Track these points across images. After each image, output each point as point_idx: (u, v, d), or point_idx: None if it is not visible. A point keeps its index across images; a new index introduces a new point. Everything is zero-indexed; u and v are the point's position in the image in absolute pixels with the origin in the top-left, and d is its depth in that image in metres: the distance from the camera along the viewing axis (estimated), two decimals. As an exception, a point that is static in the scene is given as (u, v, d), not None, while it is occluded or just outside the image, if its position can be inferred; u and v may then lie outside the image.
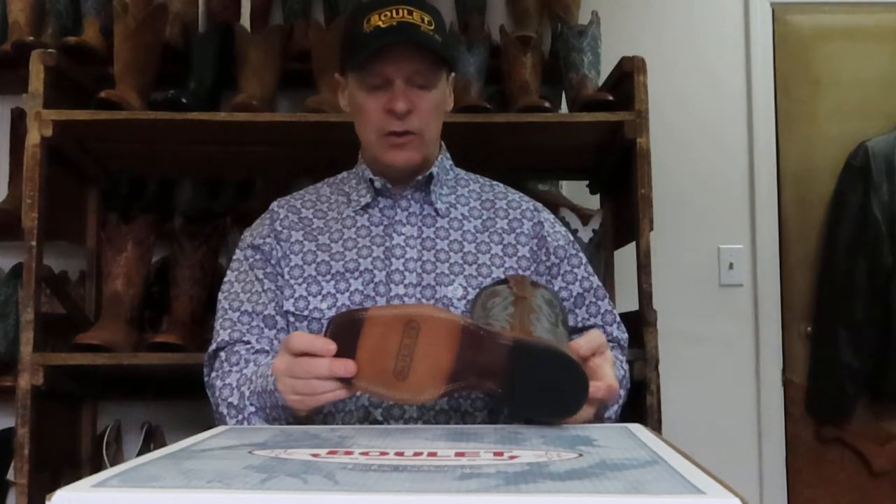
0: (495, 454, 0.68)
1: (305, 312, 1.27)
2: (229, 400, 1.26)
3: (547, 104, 2.03)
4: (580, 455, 0.67)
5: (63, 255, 2.32)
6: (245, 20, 2.34)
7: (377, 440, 0.78)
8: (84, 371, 1.98)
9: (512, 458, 0.66)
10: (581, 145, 2.12)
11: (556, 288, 1.33)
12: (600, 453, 0.68)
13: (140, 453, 1.98)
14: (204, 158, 2.20)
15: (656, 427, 1.81)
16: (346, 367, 0.97)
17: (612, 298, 2.27)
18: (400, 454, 0.68)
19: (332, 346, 0.99)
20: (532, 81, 2.11)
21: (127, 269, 2.01)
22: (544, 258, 1.34)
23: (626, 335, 1.38)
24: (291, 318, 1.27)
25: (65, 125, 1.90)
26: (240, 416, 1.23)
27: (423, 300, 1.25)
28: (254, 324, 1.31)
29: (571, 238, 1.40)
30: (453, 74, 1.37)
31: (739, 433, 2.47)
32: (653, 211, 1.90)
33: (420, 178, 1.33)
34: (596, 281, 1.38)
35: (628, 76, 1.96)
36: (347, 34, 1.33)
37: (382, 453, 0.69)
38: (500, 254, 1.32)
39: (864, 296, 2.44)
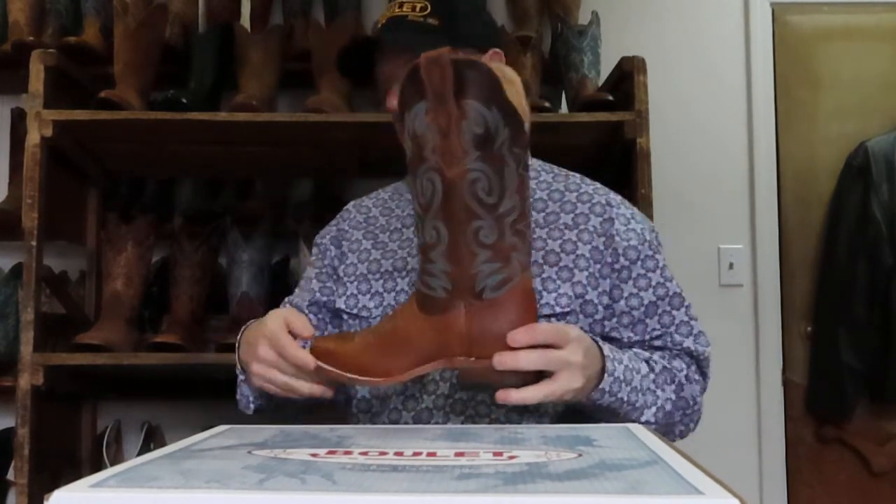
0: (494, 454, 0.68)
1: (355, 311, 1.25)
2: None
3: (547, 104, 2.03)
4: (580, 455, 0.67)
5: (63, 255, 2.32)
6: (245, 20, 2.34)
7: (376, 440, 0.77)
8: (84, 371, 1.98)
9: (511, 458, 0.66)
10: (581, 145, 2.12)
11: (625, 294, 1.20)
12: (600, 453, 0.68)
13: (140, 453, 1.98)
14: (204, 158, 2.20)
15: (656, 427, 1.81)
16: (306, 361, 0.98)
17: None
18: (399, 454, 0.68)
19: (309, 330, 1.01)
20: (532, 81, 2.11)
21: (127, 269, 2.01)
22: (610, 259, 1.20)
23: (704, 348, 1.22)
24: (345, 317, 1.27)
25: (65, 125, 1.90)
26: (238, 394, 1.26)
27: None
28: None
29: (649, 238, 1.24)
30: (494, 50, 1.24)
31: (739, 433, 2.47)
32: (653, 211, 1.90)
33: None
34: (673, 287, 1.23)
35: (628, 76, 1.96)
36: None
37: (381, 453, 0.69)
38: (557, 250, 1.20)
39: (864, 296, 2.44)
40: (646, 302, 1.20)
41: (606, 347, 1.09)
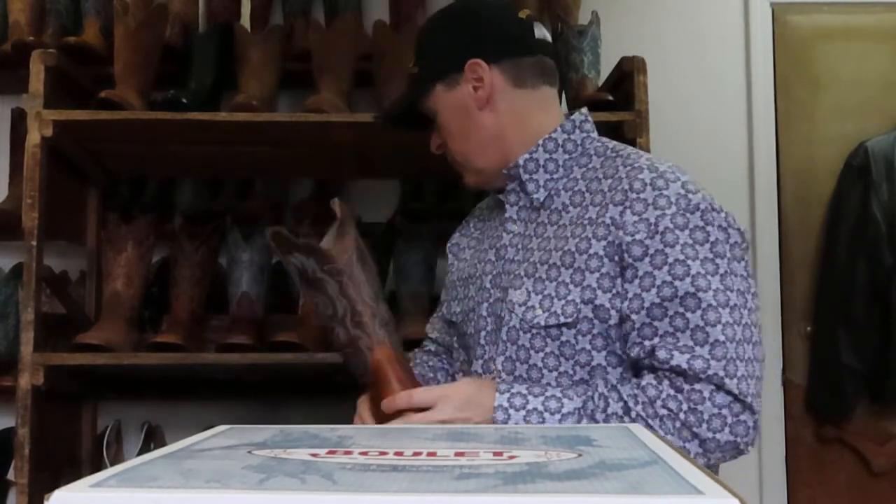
0: (494, 454, 0.68)
1: (448, 316, 1.37)
2: None
3: (547, 104, 2.03)
4: (579, 455, 0.67)
5: (63, 255, 2.33)
6: (245, 20, 2.34)
7: (376, 440, 0.78)
8: (84, 371, 1.98)
9: (511, 458, 0.66)
10: (581, 145, 2.12)
11: (629, 296, 1.09)
12: (599, 453, 0.68)
13: (140, 453, 1.98)
14: (204, 158, 2.20)
15: (656, 427, 1.80)
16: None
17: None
18: (399, 454, 0.68)
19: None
20: (532, 81, 2.10)
21: (127, 268, 2.01)
22: (618, 257, 1.10)
23: (706, 366, 1.05)
24: (443, 325, 1.42)
25: (65, 125, 1.90)
26: None
27: (501, 302, 1.20)
28: (437, 324, 1.46)
29: (668, 227, 1.08)
30: (471, 61, 1.23)
31: (739, 433, 2.47)
32: (653, 211, 1.90)
33: (505, 171, 1.24)
34: (688, 286, 1.06)
35: (628, 76, 1.96)
36: None
37: (381, 453, 0.69)
38: (573, 250, 1.13)
39: (864, 296, 2.44)
40: (646, 304, 1.08)
41: (504, 396, 1.10)
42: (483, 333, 1.23)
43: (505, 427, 0.90)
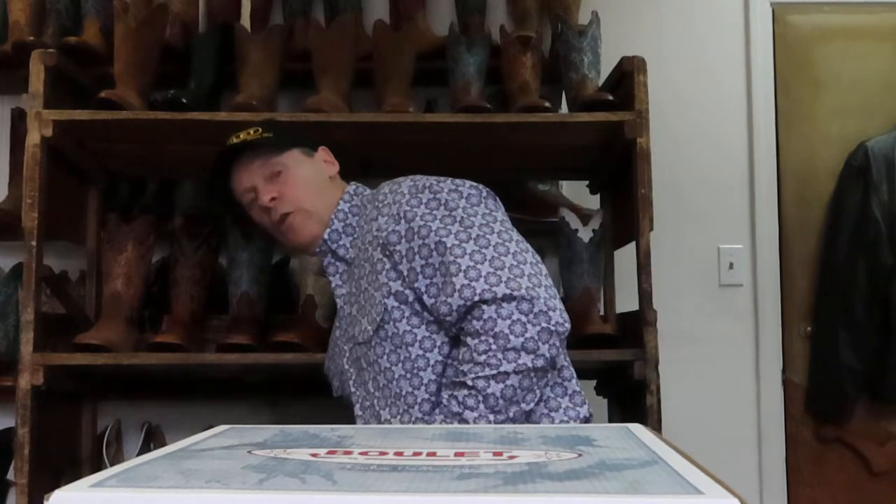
0: (494, 454, 0.68)
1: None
2: None
3: (547, 104, 2.03)
4: (579, 455, 0.67)
5: (63, 255, 2.33)
6: (245, 20, 2.34)
7: (376, 440, 0.78)
8: (84, 371, 1.98)
9: (511, 458, 0.66)
10: (581, 145, 2.12)
11: (405, 273, 1.34)
12: (599, 453, 0.68)
13: (140, 453, 1.98)
14: (204, 158, 2.19)
15: (656, 427, 1.81)
16: None
17: (612, 298, 2.28)
18: (399, 454, 0.68)
19: None
20: (532, 81, 2.11)
21: (127, 268, 2.01)
22: (387, 253, 1.36)
23: (472, 293, 1.28)
24: None
25: (65, 125, 1.90)
26: None
27: (352, 347, 1.44)
28: None
29: (407, 208, 1.37)
30: (322, 147, 1.57)
31: (739, 433, 2.47)
32: (653, 211, 1.90)
33: (318, 249, 1.48)
34: (433, 238, 1.33)
35: (628, 76, 1.96)
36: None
37: (382, 453, 0.69)
38: (368, 269, 1.40)
39: (864, 296, 2.44)
40: (417, 270, 1.34)
41: None
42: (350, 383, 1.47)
43: (505, 427, 0.90)
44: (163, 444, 2.14)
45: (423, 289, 1.33)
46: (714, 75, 2.56)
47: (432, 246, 1.32)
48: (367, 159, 2.21)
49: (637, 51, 1.99)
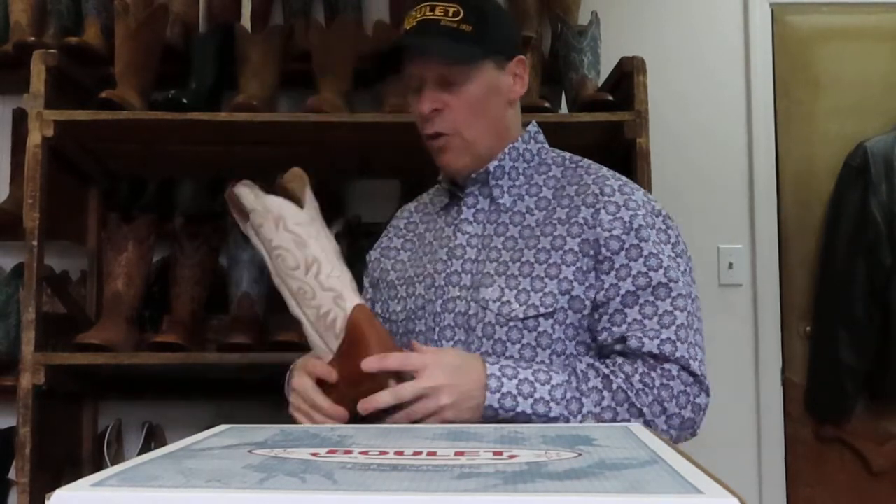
0: (494, 454, 0.68)
1: (385, 315, 1.34)
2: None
3: (547, 104, 2.03)
4: (579, 455, 0.68)
5: (64, 255, 2.33)
6: (245, 20, 2.34)
7: (377, 439, 0.78)
8: (85, 370, 1.98)
9: (511, 457, 0.66)
10: (581, 145, 2.11)
11: (605, 286, 1.19)
12: (599, 453, 0.69)
13: (141, 452, 1.98)
14: (204, 158, 2.20)
15: (656, 427, 1.81)
16: (336, 412, 1.11)
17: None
18: (399, 453, 0.68)
19: (332, 376, 1.12)
20: (532, 81, 2.11)
21: (128, 268, 2.01)
22: (593, 251, 1.20)
23: (674, 349, 1.15)
24: (381, 321, 1.31)
25: (66, 125, 1.91)
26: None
27: (473, 303, 1.23)
28: None
29: (637, 225, 1.20)
30: (519, 57, 1.28)
31: (739, 433, 2.47)
32: (652, 211, 1.90)
33: (475, 175, 1.28)
34: (661, 277, 1.19)
35: (628, 76, 1.97)
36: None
37: (382, 452, 0.69)
38: (548, 247, 1.21)
39: (863, 296, 2.44)
40: (622, 292, 1.18)
41: (496, 366, 1.12)
42: (438, 329, 1.27)
43: (505, 427, 0.90)
44: (163, 444, 2.14)
45: (611, 311, 1.19)
46: (713, 76, 2.57)
47: (655, 283, 1.18)
48: (367, 159, 2.21)
49: (637, 51, 1.99)
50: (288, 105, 2.33)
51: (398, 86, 2.09)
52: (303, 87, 2.15)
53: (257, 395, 2.32)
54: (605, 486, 0.55)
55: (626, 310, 1.18)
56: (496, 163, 1.28)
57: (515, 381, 1.12)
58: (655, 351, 1.15)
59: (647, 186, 1.90)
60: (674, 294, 1.18)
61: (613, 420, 1.14)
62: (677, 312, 1.17)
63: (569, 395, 1.13)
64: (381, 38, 2.13)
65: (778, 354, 2.53)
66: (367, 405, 1.06)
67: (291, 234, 1.12)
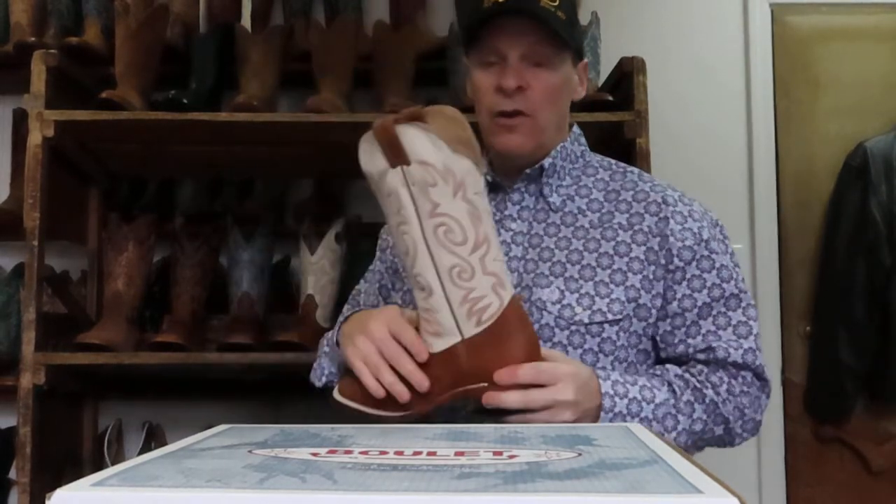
0: (494, 454, 0.68)
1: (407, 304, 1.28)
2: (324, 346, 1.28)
3: (547, 104, 2.03)
4: (579, 455, 0.68)
5: (64, 255, 2.33)
6: (246, 20, 2.34)
7: (377, 439, 0.78)
8: (85, 370, 1.98)
9: (511, 457, 0.67)
10: (581, 145, 2.12)
11: (678, 296, 1.19)
12: (599, 453, 0.69)
13: (141, 452, 1.98)
14: (204, 158, 2.20)
15: (656, 427, 1.81)
16: (421, 381, 0.98)
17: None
18: (399, 453, 0.69)
19: (425, 355, 0.99)
20: (532, 82, 2.11)
21: (128, 268, 2.01)
22: (664, 261, 1.19)
23: (755, 357, 1.18)
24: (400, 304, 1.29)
25: (66, 125, 1.91)
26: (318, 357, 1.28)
27: (526, 303, 1.18)
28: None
29: (707, 236, 1.22)
30: (585, 61, 1.28)
31: (739, 433, 2.47)
32: (652, 211, 1.90)
33: (529, 171, 1.24)
34: (732, 288, 1.20)
35: (628, 76, 1.96)
36: (467, 10, 1.30)
37: (382, 452, 0.69)
38: (611, 252, 1.19)
39: (863, 296, 2.44)
40: (699, 303, 1.19)
41: (608, 383, 1.09)
42: None
43: (505, 427, 0.90)
44: (163, 444, 2.14)
45: (688, 323, 1.19)
46: (713, 76, 2.57)
47: (728, 294, 1.20)
48: (368, 159, 2.21)
49: (637, 51, 1.99)
50: (288, 105, 2.33)
51: (398, 85, 2.10)
52: (303, 87, 2.15)
53: (257, 395, 2.33)
54: (605, 486, 0.55)
55: (702, 321, 1.19)
56: (549, 160, 1.25)
57: (626, 401, 1.10)
58: (740, 360, 1.18)
59: (647, 186, 1.90)
60: (744, 304, 1.21)
61: (703, 431, 1.15)
62: (752, 322, 1.20)
63: (672, 411, 1.13)
64: (381, 39, 2.13)
65: (778, 354, 2.53)
66: (492, 399, 0.99)
67: (468, 206, 0.95)
